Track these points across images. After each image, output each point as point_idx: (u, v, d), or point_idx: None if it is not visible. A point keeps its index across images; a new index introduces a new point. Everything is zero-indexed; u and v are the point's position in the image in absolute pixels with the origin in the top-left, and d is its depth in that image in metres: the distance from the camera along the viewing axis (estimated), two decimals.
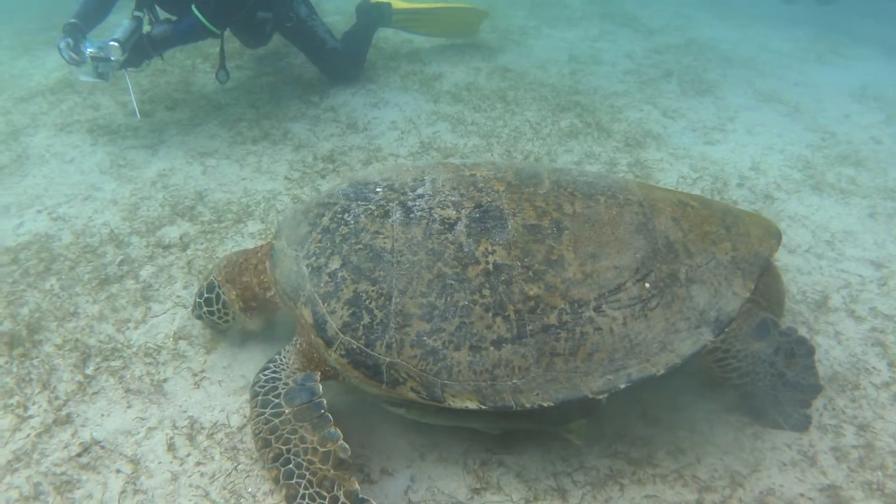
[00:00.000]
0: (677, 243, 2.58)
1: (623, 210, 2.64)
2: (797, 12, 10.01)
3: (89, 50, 4.90)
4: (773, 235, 2.80)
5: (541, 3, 9.58)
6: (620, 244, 2.52)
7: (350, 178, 2.99)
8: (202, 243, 4.05)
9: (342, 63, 6.30)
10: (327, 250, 2.59)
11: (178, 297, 3.62)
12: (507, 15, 8.75)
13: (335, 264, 2.54)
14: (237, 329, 3.31)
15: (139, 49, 5.10)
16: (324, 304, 2.50)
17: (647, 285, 2.45)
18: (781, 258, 3.94)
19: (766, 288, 2.81)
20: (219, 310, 3.10)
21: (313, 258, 2.61)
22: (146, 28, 5.23)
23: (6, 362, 3.23)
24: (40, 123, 5.69)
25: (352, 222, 2.63)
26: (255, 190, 4.62)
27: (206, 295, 3.10)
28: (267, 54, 6.93)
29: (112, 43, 4.88)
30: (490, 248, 2.45)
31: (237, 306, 3.06)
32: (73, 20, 5.09)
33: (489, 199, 2.61)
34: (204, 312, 3.13)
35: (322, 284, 2.53)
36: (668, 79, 6.67)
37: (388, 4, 6.73)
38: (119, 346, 3.31)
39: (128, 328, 3.43)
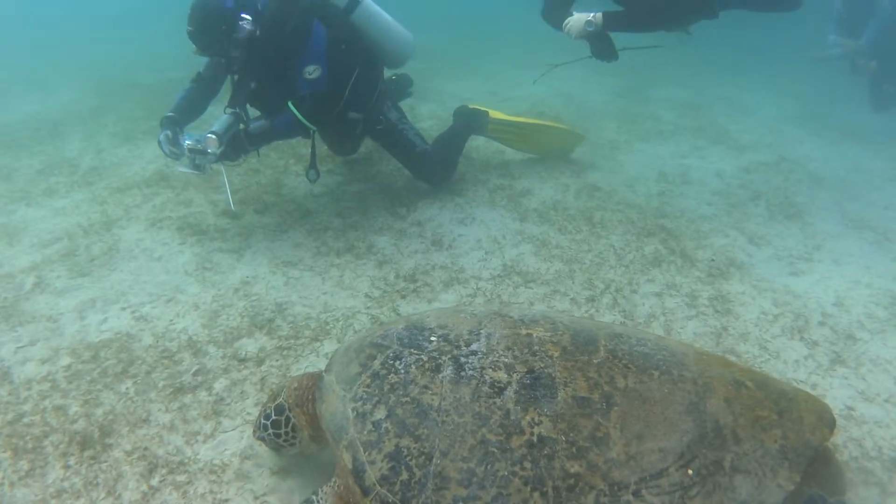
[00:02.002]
0: (726, 428, 2.51)
1: (676, 387, 2.59)
2: (892, 124, 9.76)
3: (187, 142, 5.16)
4: (826, 423, 2.68)
5: (633, 115, 9.61)
6: (668, 425, 2.46)
7: (407, 319, 3.02)
8: (277, 360, 4.09)
9: (432, 166, 6.41)
10: (374, 397, 2.61)
11: (249, 414, 3.65)
12: (598, 127, 8.78)
13: (380, 413, 2.56)
14: (299, 455, 3.29)
15: (236, 143, 5.34)
16: (365, 452, 2.51)
17: (690, 472, 2.38)
18: (858, 408, 3.76)
19: (817, 472, 2.66)
20: (286, 432, 3.07)
21: (360, 402, 2.63)
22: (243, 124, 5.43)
23: (76, 462, 3.32)
24: (133, 216, 5.95)
25: (402, 371, 2.65)
26: (334, 306, 4.66)
27: (273, 417, 3.08)
28: (358, 159, 7.11)
29: (210, 136, 5.13)
30: (537, 419, 2.43)
31: (307, 432, 3.06)
32: (170, 114, 5.38)
33: (542, 366, 2.60)
34: (269, 434, 3.09)
35: (365, 432, 2.54)
36: (756, 201, 6.53)
37: (486, 113, 6.84)
38: (186, 459, 3.35)
39: (196, 441, 3.48)
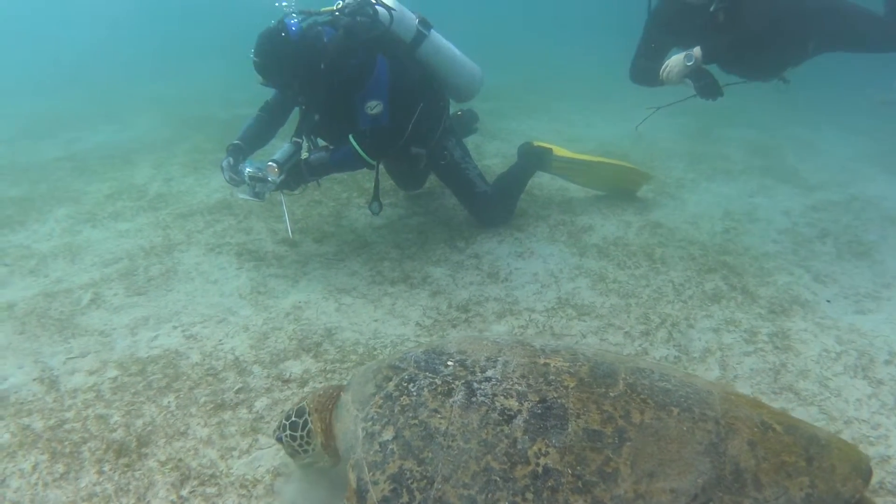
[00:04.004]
0: (747, 472, 2.37)
1: (696, 426, 2.47)
2: None
3: (248, 170, 5.27)
4: (861, 474, 2.49)
5: (701, 154, 9.45)
6: (683, 465, 2.35)
7: (428, 344, 3.01)
8: (321, 381, 4.11)
9: (492, 207, 6.38)
10: (384, 418, 2.60)
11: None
12: (665, 166, 8.67)
13: (388, 435, 2.54)
14: (311, 466, 3.29)
15: (296, 173, 5.45)
16: (369, 472, 2.49)
17: None
18: None
19: None
20: (301, 437, 3.05)
21: (370, 423, 2.62)
22: (304, 153, 5.51)
23: (110, 469, 3.40)
24: (194, 241, 6.12)
25: (414, 394, 2.63)
26: (384, 333, 4.66)
27: (293, 418, 3.09)
28: (421, 194, 7.17)
29: (270, 164, 5.24)
30: (544, 450, 2.37)
31: (320, 440, 3.02)
32: (236, 142, 5.57)
33: (555, 395, 2.53)
34: (286, 436, 3.09)
35: (372, 452, 2.53)
36: (823, 239, 6.32)
37: (550, 150, 6.81)
38: (218, 472, 3.39)
39: (231, 456, 3.51)
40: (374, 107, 5.36)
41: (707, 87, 5.74)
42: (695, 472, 2.33)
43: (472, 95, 6.56)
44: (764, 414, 2.64)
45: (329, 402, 3.05)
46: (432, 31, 5.97)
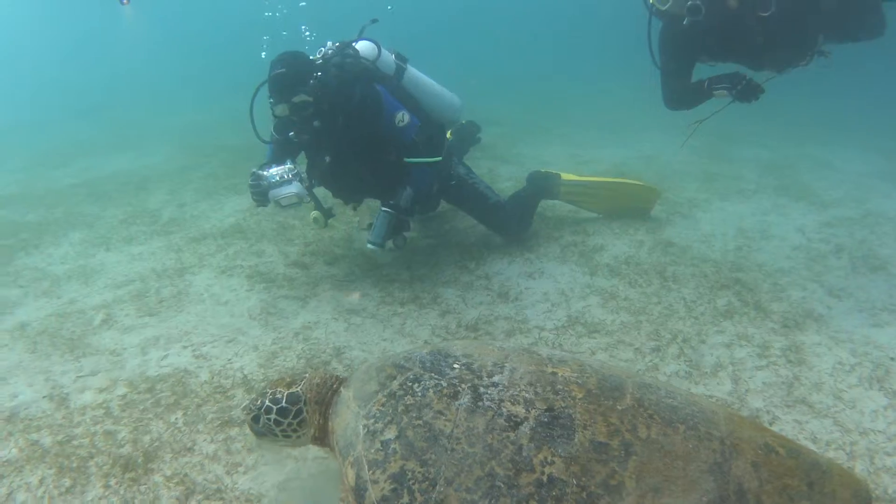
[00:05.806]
0: (750, 493, 2.33)
1: (701, 444, 2.44)
2: None
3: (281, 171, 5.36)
4: (861, 501, 2.48)
5: (714, 175, 9.43)
6: (688, 482, 2.32)
7: (433, 346, 2.95)
8: None
9: (507, 217, 6.44)
10: (387, 417, 2.55)
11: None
12: (678, 187, 8.66)
13: (391, 434, 2.49)
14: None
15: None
16: (369, 470, 2.43)
17: None
18: None
19: None
20: (289, 424, 2.88)
21: (372, 420, 2.57)
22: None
23: (117, 483, 3.41)
24: (206, 264, 6.19)
25: (419, 394, 2.58)
26: (392, 351, 4.58)
27: (284, 404, 2.88)
28: (433, 217, 7.19)
29: (370, 247, 5.46)
30: (549, 458, 2.33)
31: (313, 432, 2.91)
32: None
33: (563, 405, 2.49)
34: (270, 419, 2.88)
35: (373, 451, 2.47)
36: (838, 254, 6.28)
37: (557, 175, 6.85)
38: (224, 487, 3.39)
39: (237, 472, 3.50)
40: (402, 117, 5.48)
41: (746, 90, 5.28)
42: (699, 490, 2.29)
43: (453, 124, 6.81)
44: (767, 437, 2.61)
45: (328, 395, 2.93)
46: (409, 64, 6.15)
